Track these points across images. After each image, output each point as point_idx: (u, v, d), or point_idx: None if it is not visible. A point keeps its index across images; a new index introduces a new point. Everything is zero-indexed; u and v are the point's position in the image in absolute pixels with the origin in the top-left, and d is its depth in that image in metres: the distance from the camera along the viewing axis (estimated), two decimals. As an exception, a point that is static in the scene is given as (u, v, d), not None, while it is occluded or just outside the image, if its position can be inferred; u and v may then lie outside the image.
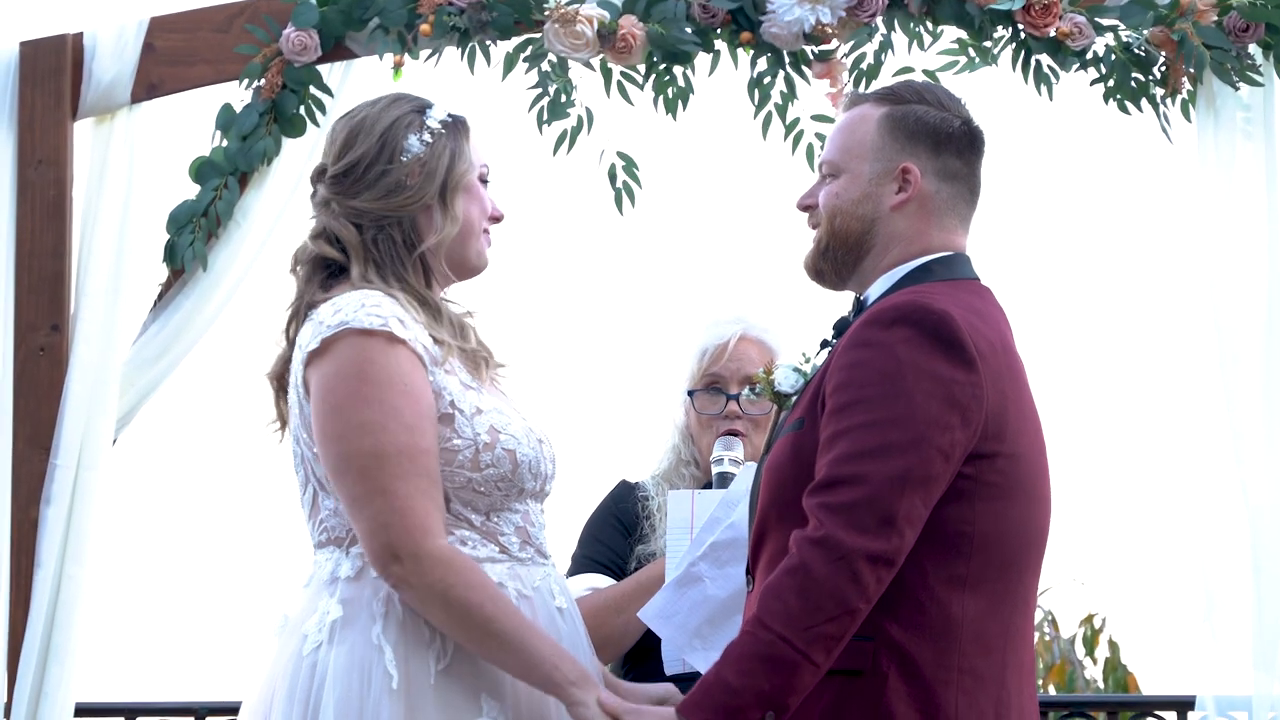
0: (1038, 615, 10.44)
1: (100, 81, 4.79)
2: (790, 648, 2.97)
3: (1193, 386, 4.54)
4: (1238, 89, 4.50)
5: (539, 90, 4.68)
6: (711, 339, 4.20)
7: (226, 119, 4.73)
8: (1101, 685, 10.30)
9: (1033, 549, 3.19)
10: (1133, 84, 4.52)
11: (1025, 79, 4.55)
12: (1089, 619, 10.45)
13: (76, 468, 4.69)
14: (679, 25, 4.56)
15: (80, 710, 4.72)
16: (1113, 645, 10.39)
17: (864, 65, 4.63)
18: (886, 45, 4.62)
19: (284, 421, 3.38)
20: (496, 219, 3.43)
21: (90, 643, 4.72)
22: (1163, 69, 4.52)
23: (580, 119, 4.70)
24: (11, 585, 4.67)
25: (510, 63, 4.68)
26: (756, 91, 4.63)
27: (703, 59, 4.64)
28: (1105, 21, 4.52)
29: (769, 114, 4.64)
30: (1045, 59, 4.53)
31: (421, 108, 3.36)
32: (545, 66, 4.66)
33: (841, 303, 3.39)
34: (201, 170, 4.73)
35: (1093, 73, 4.55)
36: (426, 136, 3.31)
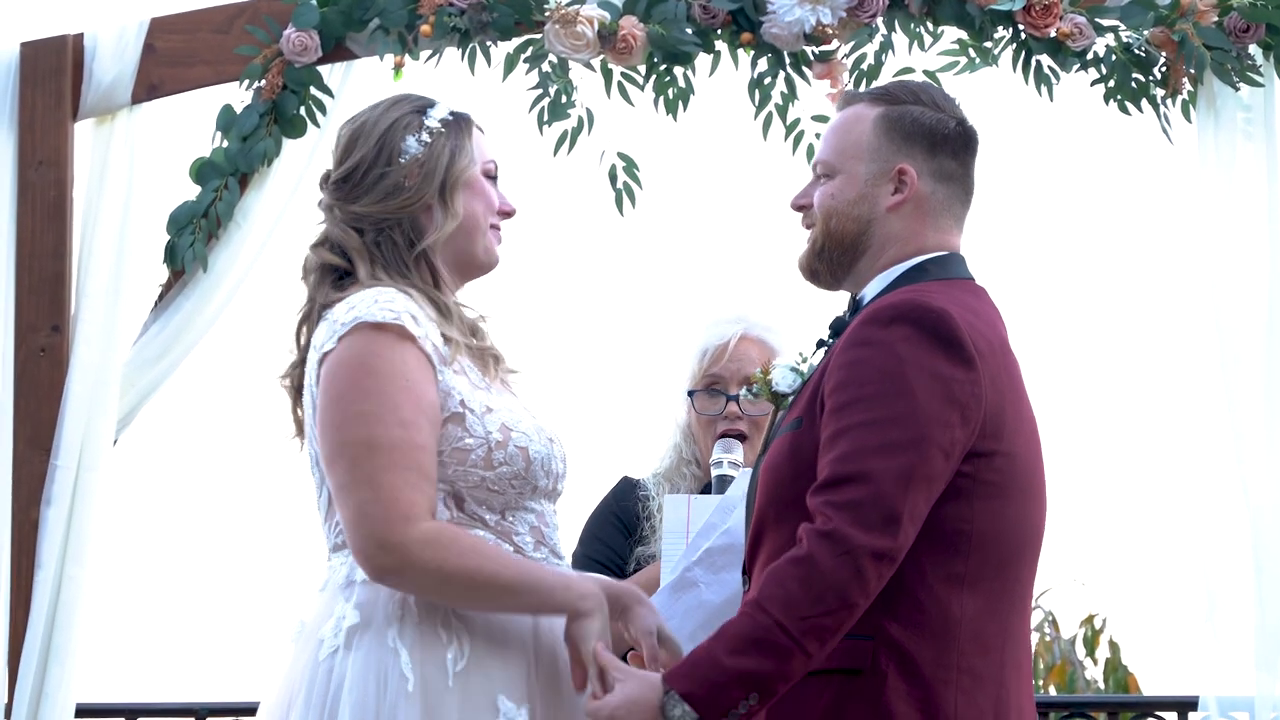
0: (1038, 616, 10.44)
1: (101, 82, 4.79)
2: (785, 635, 2.98)
3: (1194, 387, 4.54)
4: (1238, 89, 4.50)
5: (539, 91, 4.68)
6: (712, 339, 4.19)
7: (227, 120, 4.73)
8: (1102, 686, 10.30)
9: (1029, 547, 3.20)
10: (1133, 84, 4.52)
11: (1026, 80, 4.55)
12: (1089, 619, 10.45)
13: (77, 469, 4.69)
14: (679, 26, 4.55)
15: (81, 711, 4.72)
16: (1113, 646, 10.39)
17: (864, 66, 4.63)
18: (887, 46, 4.62)
19: (301, 428, 3.37)
20: (506, 213, 3.42)
21: (91, 643, 4.72)
22: (1163, 69, 4.52)
23: (581, 120, 4.70)
24: (12, 586, 4.66)
25: (511, 63, 4.68)
26: (757, 92, 4.63)
27: (703, 60, 4.64)
28: (1106, 22, 4.52)
29: (769, 115, 4.64)
30: (1046, 59, 4.53)
31: (422, 108, 3.36)
32: (546, 67, 4.66)
33: (841, 302, 3.39)
34: (202, 171, 4.73)
35: (1093, 73, 4.55)
36: (425, 137, 3.31)
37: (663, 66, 4.63)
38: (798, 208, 3.36)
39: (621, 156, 4.70)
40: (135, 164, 4.80)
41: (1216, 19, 4.45)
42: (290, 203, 4.77)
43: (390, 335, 3.16)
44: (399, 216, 3.29)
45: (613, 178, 4.69)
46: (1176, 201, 4.64)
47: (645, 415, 4.55)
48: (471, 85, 4.67)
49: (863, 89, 4.54)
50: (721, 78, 4.66)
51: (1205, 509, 4.49)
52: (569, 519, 3.87)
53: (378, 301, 3.19)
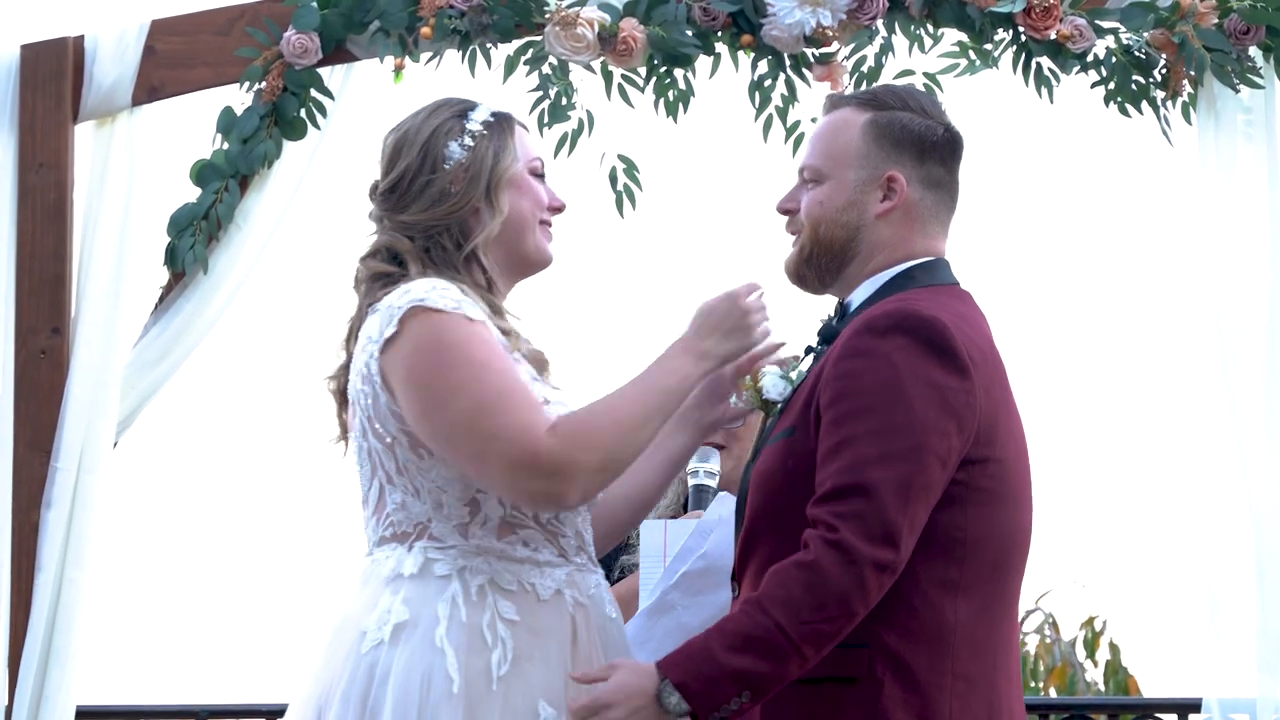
0: (1039, 618, 10.44)
1: (101, 85, 4.79)
2: (785, 637, 2.98)
3: (1195, 389, 4.53)
4: (1238, 91, 4.50)
5: (540, 93, 4.68)
6: None
7: (227, 122, 4.73)
8: (1103, 688, 10.31)
9: (1019, 552, 3.21)
10: (1133, 86, 4.52)
11: (1026, 81, 4.55)
12: (1090, 621, 10.45)
13: (77, 471, 4.68)
14: (680, 28, 4.55)
15: (81, 713, 4.72)
16: (1114, 648, 10.39)
17: (865, 68, 4.63)
18: (887, 48, 4.62)
19: (345, 431, 3.37)
20: (556, 209, 3.42)
21: (91, 646, 4.72)
22: (1163, 71, 4.51)
23: (581, 121, 4.70)
24: (12, 589, 4.66)
25: (511, 65, 4.68)
26: (757, 94, 4.63)
27: (703, 62, 4.64)
28: (1106, 24, 4.52)
29: (770, 117, 4.64)
30: (1046, 61, 4.53)
31: (463, 111, 3.36)
32: (546, 69, 4.66)
33: (828, 304, 3.39)
34: (202, 173, 4.73)
35: (1093, 75, 4.55)
36: (468, 140, 3.32)
37: (663, 68, 4.63)
38: (784, 212, 3.37)
39: (622, 158, 4.70)
40: (135, 166, 4.80)
41: (1216, 21, 4.45)
42: (291, 205, 4.77)
43: (454, 317, 3.17)
44: (447, 222, 3.30)
45: (613, 180, 4.69)
46: (1177, 204, 4.64)
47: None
48: (472, 87, 4.68)
49: (851, 91, 4.55)
50: (722, 80, 4.66)
51: (1206, 511, 4.49)
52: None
53: (435, 288, 3.19)
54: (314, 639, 3.30)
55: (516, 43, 4.67)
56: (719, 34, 4.60)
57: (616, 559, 4.12)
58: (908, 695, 3.06)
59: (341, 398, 3.36)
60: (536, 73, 4.67)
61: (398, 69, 4.71)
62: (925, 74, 4.59)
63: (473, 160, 3.30)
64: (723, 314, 3.28)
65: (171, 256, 4.74)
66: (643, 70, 4.65)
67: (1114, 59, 4.51)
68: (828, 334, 3.30)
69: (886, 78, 4.62)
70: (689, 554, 3.65)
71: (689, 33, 4.56)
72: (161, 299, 4.78)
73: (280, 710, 5.81)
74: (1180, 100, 4.54)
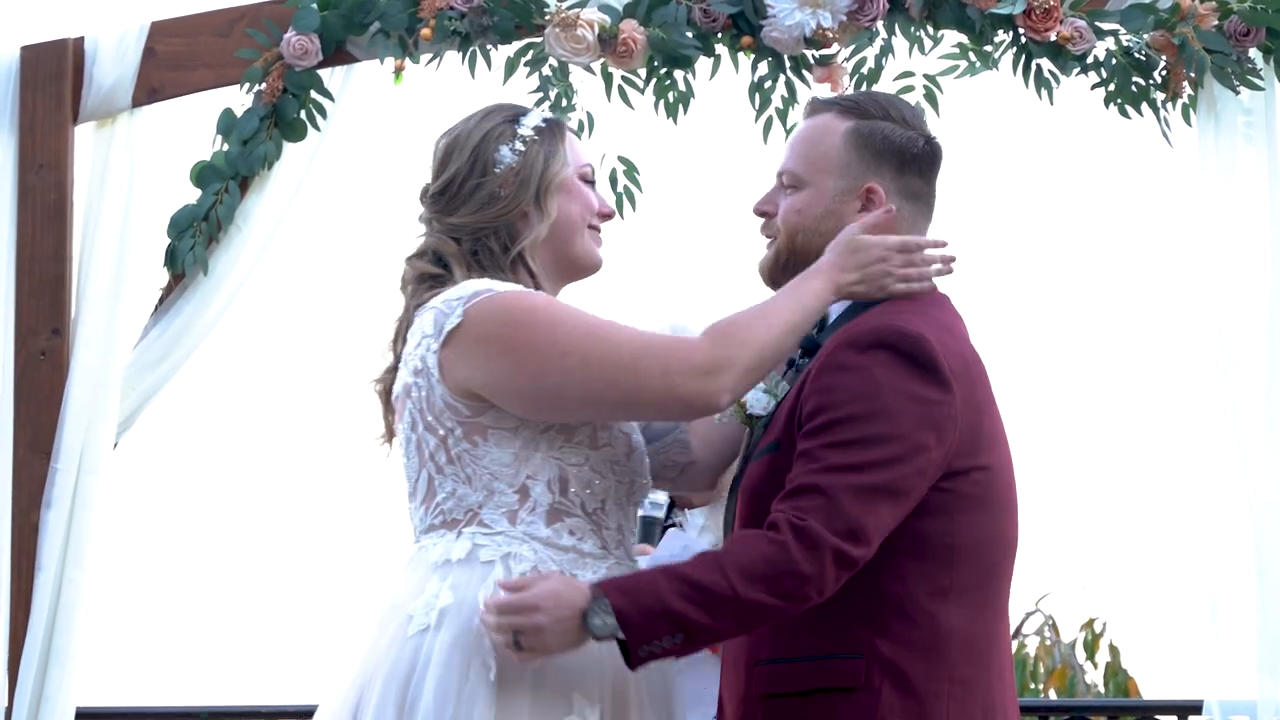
0: (1039, 620, 10.45)
1: (101, 86, 4.80)
2: (732, 600, 3.01)
3: (1195, 391, 4.53)
4: (1238, 93, 4.50)
5: (540, 94, 4.68)
6: None
7: (227, 123, 4.73)
8: (1102, 690, 10.31)
9: (1008, 555, 3.24)
10: (1133, 88, 4.52)
11: (1026, 83, 4.55)
12: (1090, 623, 10.46)
13: (77, 472, 4.68)
14: (680, 30, 4.55)
15: (81, 714, 4.72)
16: (1114, 650, 10.40)
17: (865, 70, 4.63)
18: (887, 49, 4.62)
19: (391, 434, 3.40)
20: (606, 215, 3.46)
21: (91, 647, 4.72)
22: (1163, 73, 4.51)
23: (581, 123, 4.70)
24: (12, 589, 4.66)
25: (511, 67, 4.68)
26: (757, 96, 4.63)
27: (703, 63, 4.64)
28: (1106, 26, 4.52)
29: (770, 118, 4.64)
30: (1046, 63, 4.53)
31: (515, 117, 3.39)
32: (546, 71, 4.67)
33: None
34: (202, 174, 4.73)
35: (1093, 77, 4.55)
36: (519, 145, 3.35)
37: (663, 70, 4.64)
38: (761, 214, 3.37)
39: (622, 160, 4.70)
40: (136, 167, 4.80)
41: (1217, 23, 4.45)
42: (291, 206, 4.77)
43: (519, 291, 3.21)
44: (495, 225, 3.33)
45: (613, 181, 4.69)
46: (1177, 205, 4.64)
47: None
48: (472, 89, 4.68)
49: (834, 95, 4.55)
50: (722, 81, 4.66)
51: (1207, 512, 4.49)
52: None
53: (489, 284, 3.23)
54: (312, 640, 3.31)
55: (517, 44, 4.67)
56: (719, 35, 4.60)
57: None
58: (905, 703, 3.08)
59: (387, 399, 3.39)
60: (537, 74, 4.67)
61: (398, 70, 4.72)
62: (925, 76, 4.59)
63: (523, 165, 3.34)
64: (864, 252, 3.28)
65: (171, 258, 4.74)
66: (643, 72, 4.65)
67: (1114, 61, 4.51)
68: (808, 345, 3.31)
69: (887, 79, 4.63)
70: None
71: (689, 34, 4.56)
72: (161, 300, 4.78)
73: (280, 711, 5.82)
74: (1180, 102, 4.54)
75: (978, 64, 4.58)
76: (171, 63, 4.81)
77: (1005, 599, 3.24)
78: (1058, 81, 4.55)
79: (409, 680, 3.14)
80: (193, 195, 4.74)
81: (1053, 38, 4.46)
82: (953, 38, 4.60)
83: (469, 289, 3.23)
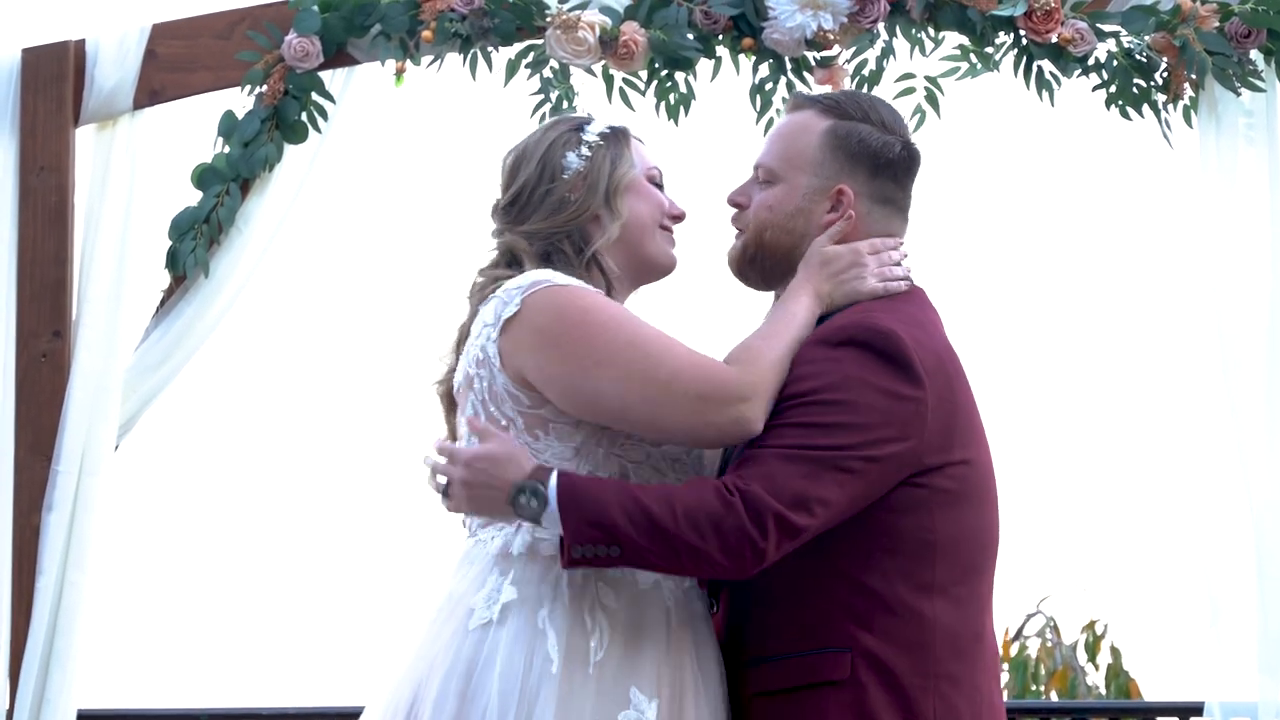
0: (1040, 622, 10.45)
1: (102, 88, 4.79)
2: (672, 537, 3.05)
3: (1196, 392, 4.54)
4: (1240, 95, 4.50)
5: (541, 96, 4.68)
6: None
7: (228, 125, 4.73)
8: (1104, 692, 10.31)
9: (990, 550, 3.26)
10: (1134, 90, 4.52)
11: (1027, 85, 4.55)
12: (1091, 625, 10.46)
13: (78, 474, 4.68)
14: (680, 31, 4.55)
15: (82, 717, 4.72)
16: (1115, 652, 10.39)
17: (866, 71, 4.64)
18: (888, 51, 4.62)
19: (454, 435, 3.42)
20: (677, 217, 3.49)
21: (92, 649, 4.72)
22: (1164, 75, 4.52)
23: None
24: (13, 592, 4.66)
25: (512, 69, 4.68)
26: (758, 97, 4.63)
27: (704, 65, 4.64)
28: (1107, 27, 4.52)
29: (771, 120, 4.64)
30: (1047, 65, 4.53)
31: (579, 125, 3.44)
32: (547, 73, 4.67)
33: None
34: (203, 177, 4.73)
35: (1094, 78, 4.55)
36: (585, 151, 3.38)
37: (664, 72, 4.64)
38: (734, 204, 3.39)
39: (623, 162, 4.70)
40: (137, 170, 4.80)
41: (1218, 24, 4.45)
42: (292, 208, 4.77)
43: (578, 288, 3.23)
44: (568, 229, 3.37)
45: (614, 183, 4.68)
46: (1178, 207, 4.64)
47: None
48: (473, 91, 4.68)
49: (818, 92, 4.55)
50: (723, 83, 4.66)
51: (1207, 513, 4.49)
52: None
53: (551, 274, 3.25)
54: (313, 643, 3.32)
55: (517, 46, 4.67)
56: (720, 37, 4.60)
57: None
58: (892, 697, 3.11)
59: (449, 402, 3.41)
60: (538, 76, 4.67)
61: (399, 72, 4.71)
62: (926, 77, 4.59)
63: (590, 168, 3.38)
64: (835, 262, 3.31)
65: (173, 260, 4.74)
66: (644, 73, 4.65)
67: (1115, 62, 4.51)
68: None
69: (888, 81, 4.63)
70: None
71: (690, 36, 4.56)
72: (163, 302, 4.77)
73: (281, 713, 5.82)
74: (1181, 103, 4.55)
75: (979, 66, 4.58)
76: (172, 65, 4.81)
77: (989, 594, 3.26)
78: (1059, 83, 4.55)
79: (470, 675, 3.16)
80: (194, 197, 4.74)
81: (1054, 39, 4.46)
82: (954, 39, 4.60)
83: (529, 278, 3.25)
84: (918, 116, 4.58)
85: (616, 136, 3.42)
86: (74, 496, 4.68)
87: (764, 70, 4.64)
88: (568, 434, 3.24)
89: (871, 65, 4.63)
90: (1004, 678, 10.19)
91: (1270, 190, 4.52)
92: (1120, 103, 4.54)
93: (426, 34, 4.61)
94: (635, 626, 3.22)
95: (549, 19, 4.58)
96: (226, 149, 4.73)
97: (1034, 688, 10.30)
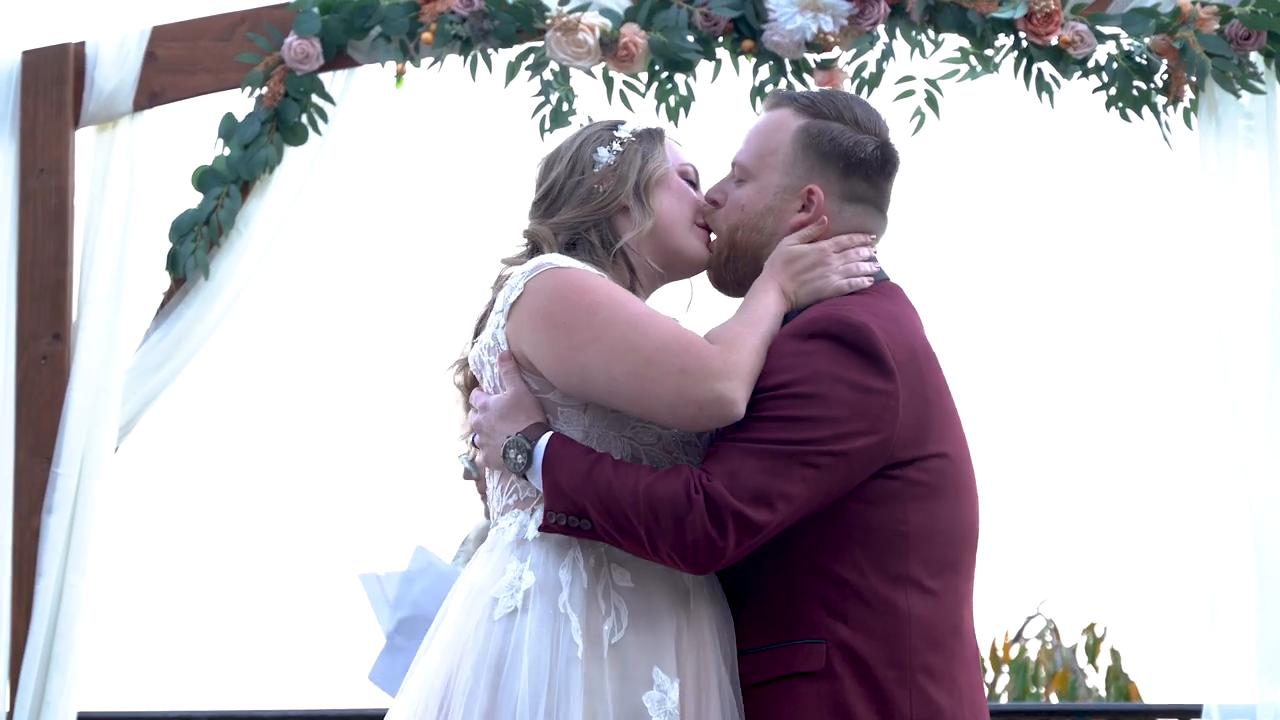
0: (1039, 624, 10.44)
1: (102, 90, 4.80)
2: (635, 524, 3.07)
3: (1196, 393, 4.54)
4: (1239, 97, 4.51)
5: (541, 98, 4.69)
6: None
7: (228, 127, 4.73)
8: (1103, 694, 10.30)
9: (967, 544, 3.26)
10: (1134, 92, 4.52)
11: (1027, 87, 4.55)
12: (1090, 627, 10.45)
13: (78, 476, 4.69)
14: (681, 33, 4.56)
15: (82, 719, 4.72)
16: (1114, 654, 10.38)
17: (866, 73, 4.64)
18: (888, 53, 4.63)
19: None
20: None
21: (92, 651, 4.72)
22: (1164, 77, 4.52)
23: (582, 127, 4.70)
24: (13, 594, 4.66)
25: (512, 71, 4.68)
26: (758, 99, 4.64)
27: (704, 67, 4.65)
28: (1107, 30, 4.53)
29: (771, 122, 4.64)
30: (1047, 67, 4.53)
31: (613, 125, 3.45)
32: (547, 74, 4.67)
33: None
34: (204, 179, 4.73)
35: (1094, 81, 4.55)
36: (616, 146, 3.40)
37: (664, 74, 4.64)
38: (710, 201, 3.40)
39: (623, 164, 4.70)
40: (137, 172, 4.81)
41: (1218, 27, 4.46)
42: (292, 210, 4.77)
43: (580, 270, 3.24)
44: (595, 219, 3.37)
45: (614, 185, 4.69)
46: (1178, 208, 4.64)
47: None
48: (473, 93, 4.68)
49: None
50: (723, 85, 4.67)
51: (1207, 516, 4.49)
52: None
53: (559, 257, 3.27)
54: (313, 645, 3.33)
55: (518, 48, 4.68)
56: (720, 39, 4.60)
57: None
58: (866, 689, 3.11)
59: (469, 391, 3.41)
60: (538, 78, 4.67)
61: (399, 74, 4.72)
62: (926, 79, 4.59)
63: (621, 162, 3.39)
64: (800, 260, 3.32)
65: (173, 262, 4.74)
66: (644, 75, 4.65)
67: (1115, 64, 4.52)
68: None
69: (888, 83, 4.63)
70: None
71: (690, 38, 4.57)
72: (163, 304, 4.78)
73: (281, 716, 5.82)
74: (1181, 105, 4.55)
75: (979, 68, 4.58)
76: (172, 67, 4.81)
77: (969, 589, 3.26)
78: (1059, 85, 4.56)
79: (500, 667, 3.17)
80: (194, 199, 4.74)
81: (1054, 42, 4.46)
82: (954, 42, 4.60)
83: (534, 263, 3.27)
84: (917, 119, 4.58)
85: (650, 135, 3.44)
86: (74, 499, 4.68)
87: (764, 72, 4.64)
88: (576, 417, 3.25)
89: (871, 67, 4.64)
90: (1004, 680, 10.18)
91: (1270, 192, 4.52)
92: (1120, 105, 4.54)
93: (427, 36, 4.62)
94: (653, 606, 3.22)
95: (549, 21, 4.58)
96: (226, 151, 4.73)
97: (1034, 690, 10.30)
